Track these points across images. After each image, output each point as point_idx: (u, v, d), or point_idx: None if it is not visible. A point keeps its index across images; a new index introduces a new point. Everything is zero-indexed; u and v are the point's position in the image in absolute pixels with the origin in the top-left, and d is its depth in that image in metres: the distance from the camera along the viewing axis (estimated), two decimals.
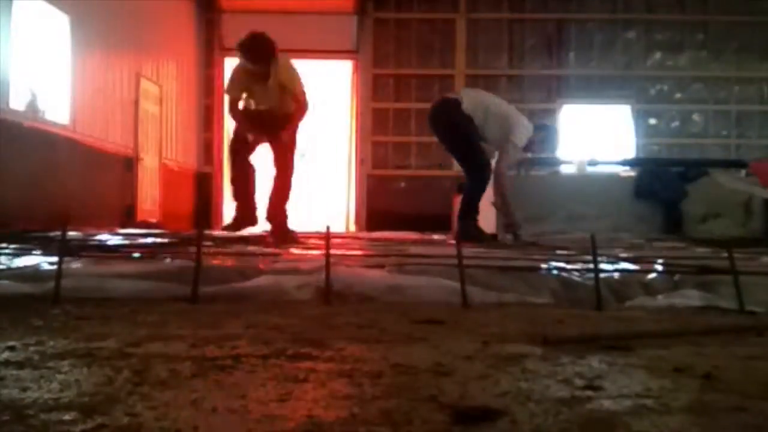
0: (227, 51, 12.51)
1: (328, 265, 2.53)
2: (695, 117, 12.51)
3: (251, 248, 4.32)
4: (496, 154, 6.08)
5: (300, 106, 5.42)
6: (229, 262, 3.22)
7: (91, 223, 6.87)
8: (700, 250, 4.64)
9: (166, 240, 4.97)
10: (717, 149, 12.30)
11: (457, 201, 11.20)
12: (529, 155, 6.56)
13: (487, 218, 6.51)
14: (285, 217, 5.62)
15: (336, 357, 1.51)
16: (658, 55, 12.51)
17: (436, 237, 7.53)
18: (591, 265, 2.61)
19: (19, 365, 1.38)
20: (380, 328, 1.92)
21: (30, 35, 6.70)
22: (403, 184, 12.36)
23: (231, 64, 12.72)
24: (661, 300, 2.56)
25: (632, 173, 8.55)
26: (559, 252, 4.21)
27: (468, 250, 3.18)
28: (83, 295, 2.43)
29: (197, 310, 2.25)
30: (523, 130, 5.88)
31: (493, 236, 6.05)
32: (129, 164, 9.05)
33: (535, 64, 12.47)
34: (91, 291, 2.49)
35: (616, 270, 2.97)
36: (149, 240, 5.01)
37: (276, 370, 1.37)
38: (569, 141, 12.24)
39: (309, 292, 2.53)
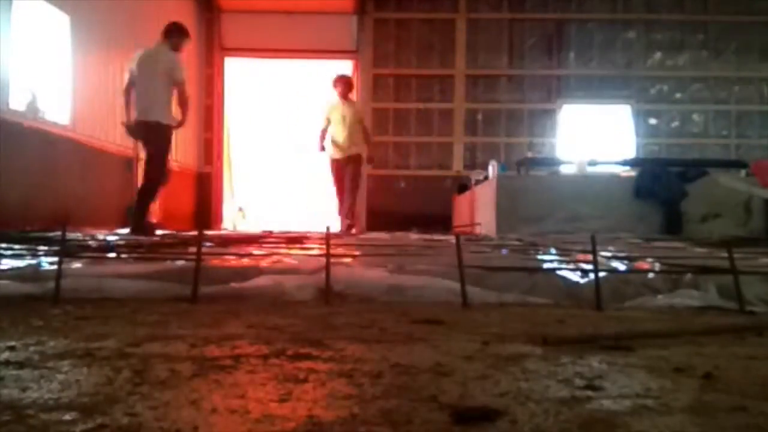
0: (227, 51, 12.53)
1: (328, 265, 2.53)
2: (695, 117, 12.51)
3: (251, 248, 4.31)
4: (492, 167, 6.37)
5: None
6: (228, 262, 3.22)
7: (91, 223, 6.87)
8: (700, 250, 4.64)
9: (166, 240, 4.97)
10: (717, 149, 12.29)
11: (457, 201, 11.22)
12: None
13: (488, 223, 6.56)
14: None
15: (336, 357, 1.51)
16: (658, 55, 12.51)
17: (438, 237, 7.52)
18: (591, 266, 2.61)
19: (19, 365, 1.38)
20: (380, 328, 1.92)
21: (30, 35, 6.70)
22: (403, 184, 12.36)
23: (231, 64, 12.81)
24: (661, 300, 2.56)
25: (632, 173, 8.55)
26: (559, 252, 4.20)
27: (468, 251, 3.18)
28: (83, 295, 2.43)
29: (197, 310, 2.25)
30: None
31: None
32: (129, 164, 9.05)
33: (535, 64, 12.47)
34: (91, 291, 2.49)
35: (616, 270, 2.97)
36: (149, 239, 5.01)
37: (276, 370, 1.37)
38: (569, 141, 12.27)
39: (309, 293, 2.53)
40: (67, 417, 1.02)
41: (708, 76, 12.42)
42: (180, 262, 2.91)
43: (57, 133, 7.11)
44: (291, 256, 3.41)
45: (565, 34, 12.49)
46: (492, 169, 8.85)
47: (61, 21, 7.30)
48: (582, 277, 2.74)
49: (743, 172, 8.64)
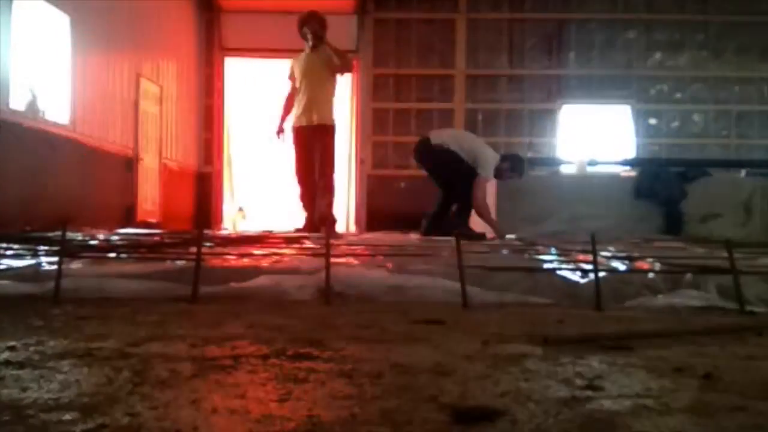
0: (227, 51, 12.51)
1: (328, 265, 2.53)
2: (695, 117, 12.50)
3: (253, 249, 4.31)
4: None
5: None
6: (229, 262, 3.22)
7: (91, 223, 6.86)
8: (700, 250, 4.64)
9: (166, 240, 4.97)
10: (717, 149, 12.29)
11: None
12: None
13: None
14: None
15: (336, 357, 1.51)
16: (658, 55, 12.51)
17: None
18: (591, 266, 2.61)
19: (19, 365, 1.38)
20: (380, 328, 1.92)
21: (30, 35, 6.70)
22: (403, 184, 12.34)
23: (231, 64, 12.80)
24: (661, 300, 2.56)
25: (632, 173, 8.54)
26: (559, 252, 4.20)
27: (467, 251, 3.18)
28: (83, 295, 2.43)
29: (197, 310, 2.25)
30: (490, 161, 6.58)
31: (481, 235, 6.22)
32: (129, 164, 9.05)
33: (535, 64, 12.46)
34: (91, 291, 2.49)
35: (616, 270, 2.97)
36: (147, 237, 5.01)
37: (276, 370, 1.37)
38: (569, 141, 12.26)
39: (309, 292, 2.53)
40: (67, 417, 1.02)
41: (708, 76, 12.42)
42: (180, 262, 2.91)
43: (57, 133, 7.11)
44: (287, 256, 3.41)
45: (565, 34, 12.48)
46: None
47: (61, 21, 7.30)
48: (582, 277, 2.74)
49: (743, 172, 8.64)
